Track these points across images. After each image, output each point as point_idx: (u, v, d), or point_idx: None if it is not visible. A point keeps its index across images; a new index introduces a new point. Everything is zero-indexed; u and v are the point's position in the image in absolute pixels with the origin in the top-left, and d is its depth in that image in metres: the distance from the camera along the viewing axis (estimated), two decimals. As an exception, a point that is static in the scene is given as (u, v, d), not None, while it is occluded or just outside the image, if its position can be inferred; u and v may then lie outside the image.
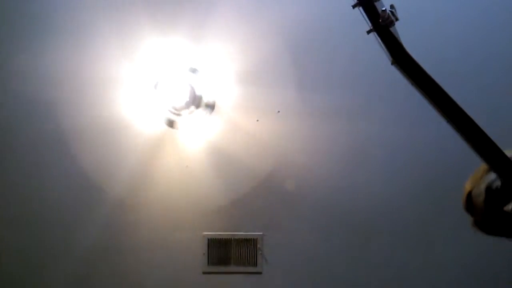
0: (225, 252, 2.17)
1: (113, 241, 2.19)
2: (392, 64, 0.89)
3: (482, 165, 1.05)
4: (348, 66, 2.16)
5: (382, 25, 0.82)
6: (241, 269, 2.17)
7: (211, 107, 2.15)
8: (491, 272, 2.08)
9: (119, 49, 2.16)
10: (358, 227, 2.14)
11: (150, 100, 2.15)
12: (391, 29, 0.84)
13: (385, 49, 0.87)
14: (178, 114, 2.13)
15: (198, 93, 2.12)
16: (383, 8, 0.80)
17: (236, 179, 2.16)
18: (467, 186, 1.07)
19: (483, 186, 1.02)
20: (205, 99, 2.14)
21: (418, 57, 0.89)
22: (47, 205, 2.20)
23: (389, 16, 0.81)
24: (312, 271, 2.14)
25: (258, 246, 2.16)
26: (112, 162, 2.18)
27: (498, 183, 0.98)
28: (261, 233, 2.17)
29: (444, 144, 2.02)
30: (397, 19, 0.85)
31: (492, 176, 1.00)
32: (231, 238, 2.17)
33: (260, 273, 2.17)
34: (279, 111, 2.16)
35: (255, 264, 2.16)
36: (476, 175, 1.06)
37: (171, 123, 2.14)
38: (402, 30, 0.91)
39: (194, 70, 2.13)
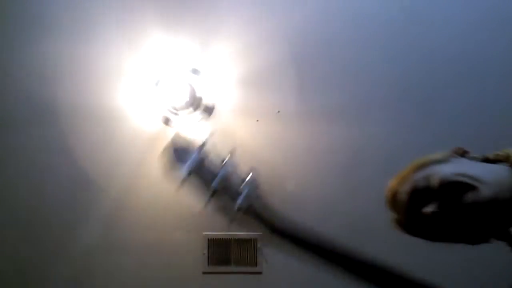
0: (225, 252, 2.17)
1: (112, 241, 2.19)
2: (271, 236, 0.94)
3: (411, 163, 1.02)
4: (348, 68, 2.16)
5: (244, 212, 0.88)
6: (241, 269, 2.17)
7: (210, 110, 2.14)
8: (488, 276, 2.08)
9: (125, 42, 2.16)
10: (358, 228, 2.13)
11: (150, 97, 2.15)
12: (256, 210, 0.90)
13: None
14: (176, 113, 2.13)
15: (198, 94, 2.12)
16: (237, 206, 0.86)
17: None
18: (393, 183, 1.03)
19: (408, 186, 0.98)
20: (205, 102, 2.14)
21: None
22: (43, 204, 2.20)
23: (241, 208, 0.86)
24: (312, 271, 2.14)
25: (258, 246, 2.16)
26: (110, 160, 2.18)
27: (423, 183, 0.95)
28: (261, 233, 2.16)
29: (442, 146, 2.02)
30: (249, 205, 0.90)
31: (419, 175, 0.97)
32: (231, 238, 2.17)
33: (260, 273, 2.17)
34: (279, 111, 2.16)
35: (255, 264, 2.16)
36: (403, 173, 1.03)
37: (166, 121, 2.13)
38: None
39: (196, 71, 2.13)
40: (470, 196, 0.89)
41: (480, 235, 0.94)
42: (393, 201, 1.02)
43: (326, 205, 2.15)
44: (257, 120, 2.17)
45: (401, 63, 2.17)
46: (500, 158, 0.97)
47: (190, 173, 0.84)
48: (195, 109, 2.12)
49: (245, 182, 0.88)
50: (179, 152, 0.86)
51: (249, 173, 0.90)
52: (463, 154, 1.01)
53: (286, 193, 2.13)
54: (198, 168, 0.85)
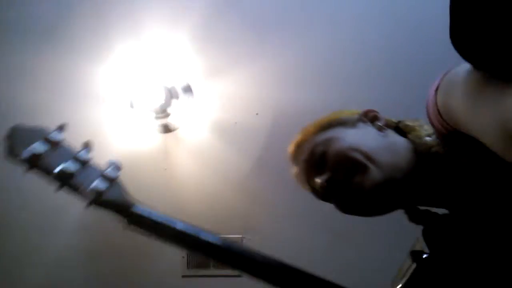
0: (204, 255, 2.15)
1: (90, 245, 2.17)
2: (125, 228, 0.93)
3: (321, 118, 1.01)
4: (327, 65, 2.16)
5: (94, 200, 0.85)
6: (221, 272, 2.16)
7: (188, 89, 2.11)
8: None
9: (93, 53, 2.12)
10: (340, 229, 2.14)
11: (131, 117, 2.13)
12: (108, 198, 0.87)
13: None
14: (166, 116, 2.11)
15: (169, 86, 2.09)
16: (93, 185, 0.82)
17: (215, 181, 2.15)
18: (298, 138, 1.02)
19: (308, 146, 0.97)
20: (179, 86, 2.11)
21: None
22: (24, 208, 2.17)
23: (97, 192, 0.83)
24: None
25: (238, 248, 2.14)
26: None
27: (321, 148, 0.94)
28: (240, 235, 2.15)
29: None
30: (115, 178, 0.87)
31: (321, 137, 0.96)
32: (210, 241, 2.15)
33: (240, 276, 2.15)
34: (257, 114, 2.15)
35: (235, 267, 2.15)
36: (309, 128, 1.01)
37: (166, 128, 2.12)
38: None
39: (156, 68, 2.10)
40: (358, 178, 0.88)
41: (373, 209, 0.94)
42: (294, 158, 1.01)
43: (307, 206, 2.15)
44: (235, 123, 2.16)
45: (387, 61, 2.17)
46: (407, 129, 0.94)
47: (33, 158, 0.80)
48: (177, 98, 2.09)
49: (104, 171, 0.87)
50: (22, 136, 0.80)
51: (110, 165, 0.90)
52: (373, 119, 0.98)
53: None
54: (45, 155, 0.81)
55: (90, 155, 0.88)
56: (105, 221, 2.14)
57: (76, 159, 0.85)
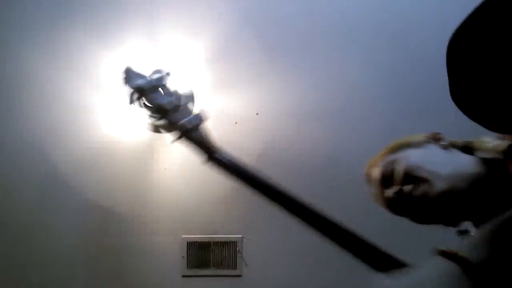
0: (204, 255, 2.16)
1: (90, 245, 2.16)
2: (205, 163, 1.07)
3: (392, 143, 1.12)
4: (334, 68, 2.17)
5: (185, 134, 1.03)
6: (221, 272, 2.16)
7: (190, 97, 2.12)
8: None
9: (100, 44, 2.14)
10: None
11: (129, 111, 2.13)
12: (197, 133, 1.05)
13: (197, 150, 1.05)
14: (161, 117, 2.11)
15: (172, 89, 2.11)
16: (182, 122, 1.02)
17: (215, 181, 2.15)
18: (371, 161, 1.13)
19: (379, 166, 1.08)
20: (182, 91, 2.12)
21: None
22: (24, 207, 2.17)
23: (185, 126, 1.02)
24: (292, 273, 2.14)
25: (238, 248, 2.15)
26: (88, 164, 2.16)
27: (390, 167, 1.05)
28: (240, 235, 2.16)
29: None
30: (202, 122, 1.05)
31: (390, 158, 1.07)
32: (210, 241, 2.15)
33: (240, 276, 2.16)
34: (257, 113, 2.16)
35: (235, 267, 2.15)
36: (381, 152, 1.12)
37: (156, 128, 2.12)
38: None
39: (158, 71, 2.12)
40: (423, 189, 0.97)
41: (443, 217, 1.01)
42: (369, 178, 1.13)
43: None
44: (235, 122, 2.17)
45: (383, 63, 2.18)
46: (471, 145, 1.03)
47: (138, 91, 1.00)
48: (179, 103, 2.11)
49: (193, 113, 1.05)
50: (130, 74, 1.01)
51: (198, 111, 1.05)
52: (437, 140, 1.08)
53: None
54: (149, 90, 1.01)
55: (183, 102, 1.07)
56: (105, 221, 2.16)
57: (173, 101, 1.06)
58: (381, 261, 1.03)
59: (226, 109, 2.17)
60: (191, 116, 1.05)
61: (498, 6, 0.55)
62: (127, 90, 0.99)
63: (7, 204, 2.17)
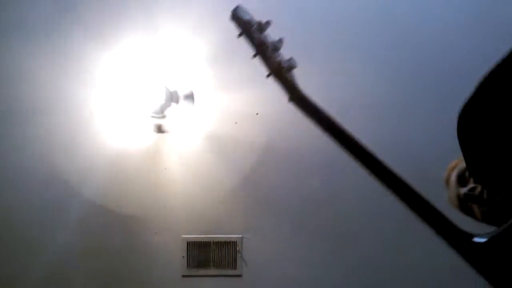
0: (204, 255, 2.16)
1: (91, 245, 2.16)
2: (288, 101, 1.09)
3: None
4: (327, 64, 2.17)
5: (276, 71, 1.06)
6: (221, 271, 2.16)
7: (190, 97, 2.13)
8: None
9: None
10: (337, 228, 2.14)
11: (129, 110, 2.16)
12: (288, 74, 1.07)
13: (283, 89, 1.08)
14: (163, 117, 2.12)
15: (171, 89, 2.12)
16: (278, 59, 1.05)
17: (215, 181, 2.15)
18: (451, 164, 1.14)
19: (457, 168, 1.08)
20: (182, 91, 2.13)
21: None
22: (23, 208, 2.17)
23: (280, 64, 1.05)
24: (292, 273, 2.14)
25: (238, 248, 2.15)
26: (89, 164, 2.16)
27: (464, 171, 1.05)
28: (240, 235, 2.16)
29: (425, 144, 2.04)
30: (295, 67, 1.08)
31: (463, 163, 1.07)
32: (210, 241, 2.15)
33: (240, 275, 2.16)
34: (257, 113, 2.16)
35: (235, 267, 2.15)
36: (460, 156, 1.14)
37: (159, 128, 2.13)
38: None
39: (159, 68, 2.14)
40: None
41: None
42: (447, 180, 1.13)
43: (306, 206, 2.16)
44: (236, 123, 2.17)
45: (382, 64, 2.18)
46: None
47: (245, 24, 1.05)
48: (176, 103, 2.11)
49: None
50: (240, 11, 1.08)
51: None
52: None
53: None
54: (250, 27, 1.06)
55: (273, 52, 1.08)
56: (105, 221, 2.17)
57: (276, 43, 1.08)
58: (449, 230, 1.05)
59: (226, 109, 2.17)
60: (288, 58, 1.10)
61: (504, 79, 0.56)
62: (235, 23, 1.06)
63: (8, 204, 2.17)
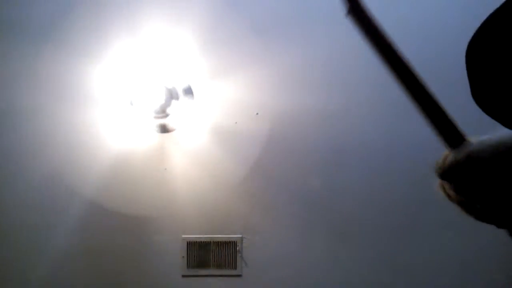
0: (204, 255, 2.16)
1: (90, 245, 2.17)
2: (346, 15, 0.93)
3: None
4: (327, 67, 2.17)
5: None
6: (221, 271, 2.16)
7: (189, 91, 2.13)
8: (477, 264, 2.09)
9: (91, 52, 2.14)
10: (338, 228, 2.14)
11: (129, 115, 2.16)
12: None
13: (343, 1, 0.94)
14: (165, 116, 2.11)
15: (169, 86, 2.12)
16: None
17: (215, 181, 2.15)
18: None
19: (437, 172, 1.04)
20: (180, 87, 2.13)
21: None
22: (24, 207, 2.17)
23: None
24: (292, 273, 2.14)
25: (238, 248, 2.15)
26: (88, 164, 2.16)
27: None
28: (240, 235, 2.16)
29: (424, 142, 2.04)
30: None
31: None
32: (210, 241, 2.16)
33: (240, 275, 2.16)
34: (257, 113, 2.16)
35: (235, 267, 2.15)
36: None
37: (164, 128, 2.13)
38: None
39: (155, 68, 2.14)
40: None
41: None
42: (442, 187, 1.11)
43: (305, 205, 2.16)
44: (236, 123, 2.17)
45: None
46: None
47: None
48: (177, 99, 2.11)
49: None
50: None
51: None
52: None
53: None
54: None
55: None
56: (105, 221, 2.16)
57: None
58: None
59: (226, 109, 2.17)
60: None
61: None
62: None
63: (8, 204, 2.17)
